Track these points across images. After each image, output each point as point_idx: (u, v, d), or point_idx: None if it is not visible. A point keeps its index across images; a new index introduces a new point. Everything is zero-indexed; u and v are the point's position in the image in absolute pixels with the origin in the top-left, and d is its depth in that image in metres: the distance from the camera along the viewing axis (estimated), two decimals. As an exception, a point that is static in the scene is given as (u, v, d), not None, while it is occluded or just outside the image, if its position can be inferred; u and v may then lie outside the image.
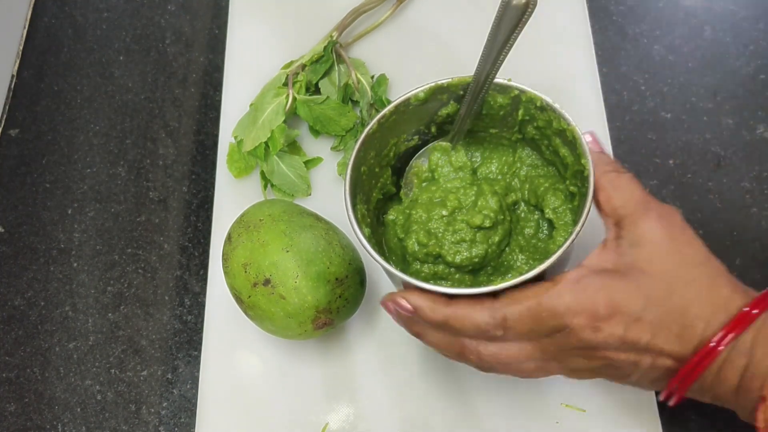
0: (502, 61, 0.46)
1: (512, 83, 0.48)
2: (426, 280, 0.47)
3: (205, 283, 0.60)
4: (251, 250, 0.50)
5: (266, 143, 0.60)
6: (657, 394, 0.52)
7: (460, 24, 0.68)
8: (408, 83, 0.65)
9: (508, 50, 0.45)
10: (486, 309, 0.41)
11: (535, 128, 0.49)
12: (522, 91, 0.48)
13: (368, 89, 0.63)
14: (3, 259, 0.64)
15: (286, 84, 0.62)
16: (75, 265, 0.63)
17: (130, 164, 0.67)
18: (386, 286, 0.57)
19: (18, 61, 0.73)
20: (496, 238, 0.48)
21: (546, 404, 0.53)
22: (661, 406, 0.53)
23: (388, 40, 0.68)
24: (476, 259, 0.47)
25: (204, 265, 0.61)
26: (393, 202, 0.54)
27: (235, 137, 0.62)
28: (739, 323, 0.39)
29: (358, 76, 0.63)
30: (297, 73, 0.63)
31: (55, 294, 0.62)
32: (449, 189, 0.50)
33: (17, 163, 0.68)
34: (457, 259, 0.47)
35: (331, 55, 0.64)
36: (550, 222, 0.49)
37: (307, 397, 0.55)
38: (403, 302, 0.43)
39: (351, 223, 0.46)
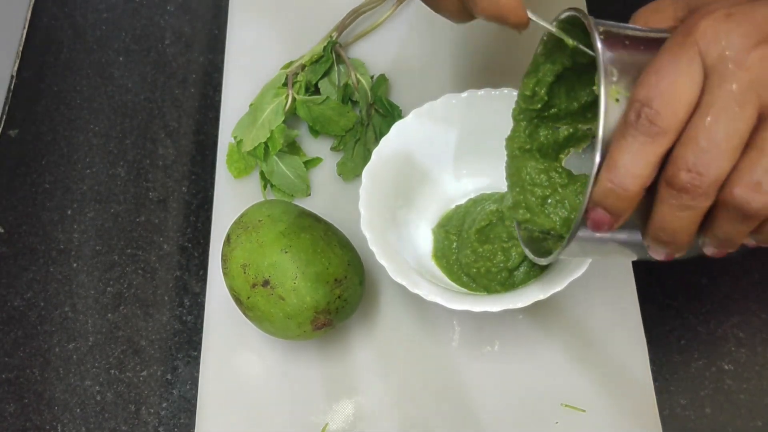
0: None
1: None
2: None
3: (205, 284, 0.60)
4: (250, 251, 0.50)
5: (266, 143, 0.60)
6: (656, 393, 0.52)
7: (459, 24, 0.67)
8: (408, 83, 0.65)
9: None
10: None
11: None
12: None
13: (368, 89, 0.63)
14: (3, 260, 0.64)
15: (285, 84, 0.62)
16: (75, 265, 0.63)
17: (129, 164, 0.67)
18: (386, 286, 0.57)
19: (18, 62, 0.73)
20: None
21: (546, 404, 0.53)
22: (661, 406, 0.53)
23: (388, 40, 0.68)
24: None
25: (203, 266, 0.61)
26: None
27: (235, 137, 0.62)
28: None
29: (358, 76, 0.63)
30: (297, 74, 0.63)
31: (54, 294, 0.62)
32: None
33: (17, 163, 0.68)
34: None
35: (331, 55, 0.64)
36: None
37: (307, 397, 0.55)
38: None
39: None
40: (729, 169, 0.33)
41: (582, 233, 0.37)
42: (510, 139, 0.48)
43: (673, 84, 0.33)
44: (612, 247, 0.40)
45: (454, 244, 0.55)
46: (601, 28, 0.36)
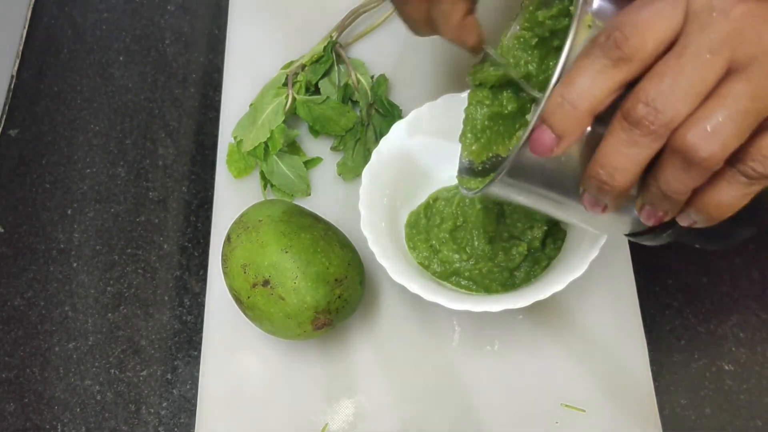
0: None
1: None
2: None
3: (205, 284, 0.60)
4: (250, 251, 0.50)
5: (266, 143, 0.60)
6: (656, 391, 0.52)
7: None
8: (408, 83, 0.65)
9: None
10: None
11: None
12: None
13: (368, 89, 0.63)
14: (3, 259, 0.64)
15: (285, 84, 0.62)
16: (75, 265, 0.63)
17: (129, 164, 0.67)
18: (386, 286, 0.57)
19: (18, 62, 0.73)
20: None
21: (545, 404, 0.53)
22: (661, 406, 0.53)
23: (388, 40, 0.68)
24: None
25: (203, 266, 0.61)
26: None
27: (235, 137, 0.62)
28: None
29: (358, 76, 0.63)
30: (297, 74, 0.63)
31: (54, 294, 0.62)
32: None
33: (17, 163, 0.68)
34: None
35: (331, 55, 0.64)
36: None
37: (307, 397, 0.55)
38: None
39: None
40: (686, 114, 0.32)
41: (519, 163, 0.36)
42: (472, 93, 0.47)
43: (651, 17, 0.33)
44: (544, 190, 0.38)
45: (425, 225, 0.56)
46: None
